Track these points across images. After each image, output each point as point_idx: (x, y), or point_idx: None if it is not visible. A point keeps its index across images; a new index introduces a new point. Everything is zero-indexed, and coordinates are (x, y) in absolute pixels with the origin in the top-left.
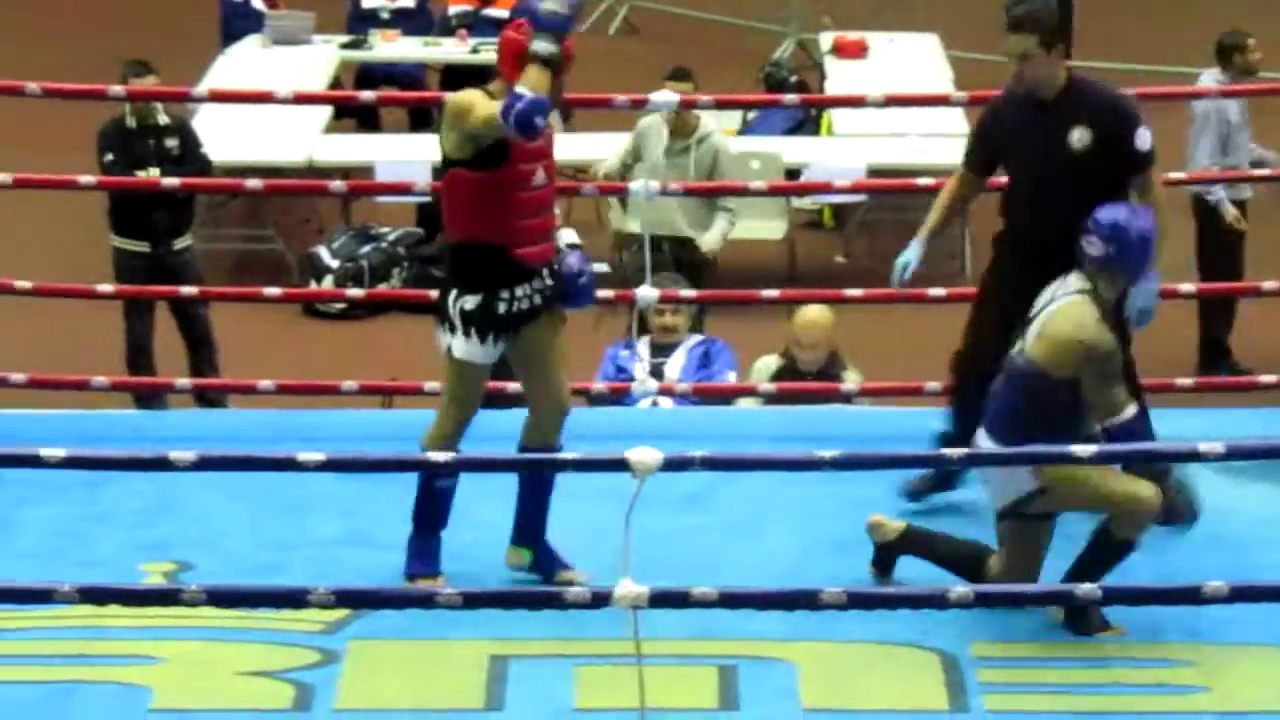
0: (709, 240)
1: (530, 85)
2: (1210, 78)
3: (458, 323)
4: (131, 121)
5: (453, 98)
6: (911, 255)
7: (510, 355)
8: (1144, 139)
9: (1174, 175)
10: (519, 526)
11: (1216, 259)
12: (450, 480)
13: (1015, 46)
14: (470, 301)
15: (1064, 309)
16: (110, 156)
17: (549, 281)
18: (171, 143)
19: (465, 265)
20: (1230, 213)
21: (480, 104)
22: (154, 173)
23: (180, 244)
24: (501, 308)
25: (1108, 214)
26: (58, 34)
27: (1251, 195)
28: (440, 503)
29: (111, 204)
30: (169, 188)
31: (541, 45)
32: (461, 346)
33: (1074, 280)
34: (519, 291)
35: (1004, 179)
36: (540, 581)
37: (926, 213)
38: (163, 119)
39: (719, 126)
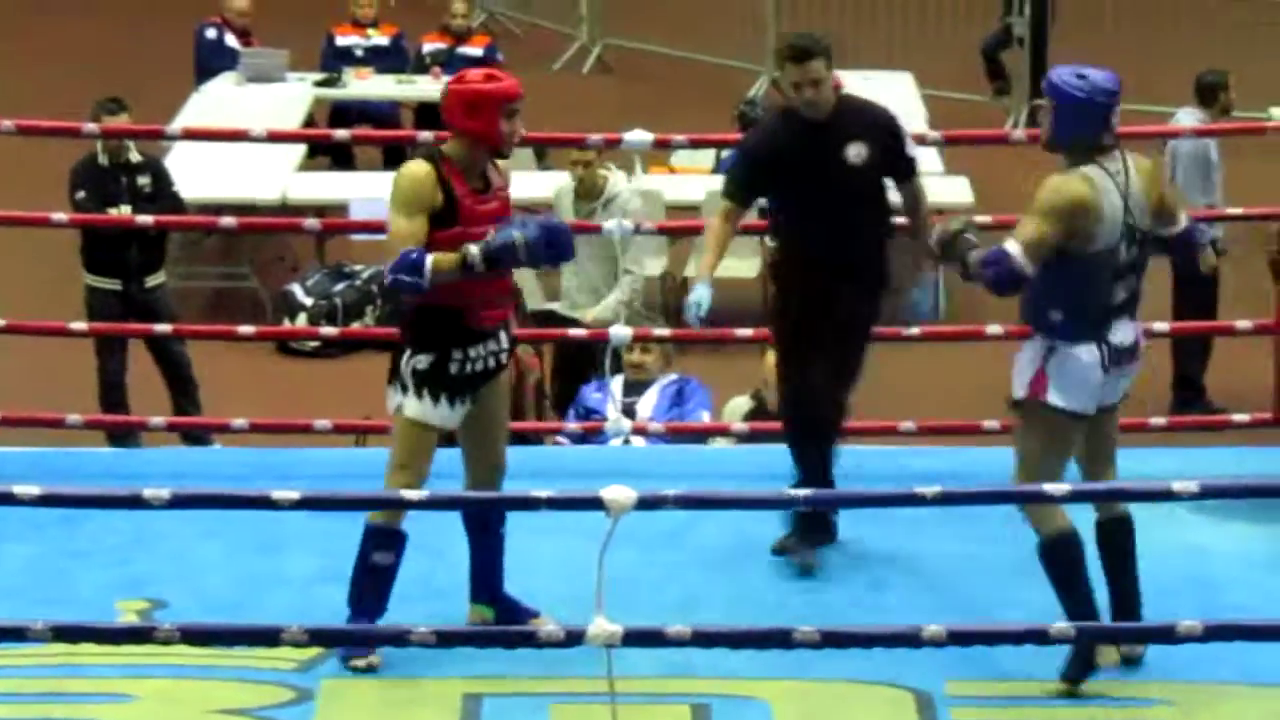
0: (597, 311)
1: (436, 268)
2: (1189, 116)
3: (409, 382)
4: (104, 159)
5: (400, 172)
6: (704, 294)
7: (467, 419)
8: (912, 147)
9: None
10: (476, 584)
11: (1193, 298)
12: (389, 559)
13: (808, 74)
14: (423, 361)
15: (1146, 164)
16: (82, 194)
17: (505, 345)
18: (143, 180)
19: (419, 326)
20: (1211, 257)
21: (402, 215)
22: (126, 210)
23: (152, 281)
24: (454, 368)
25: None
26: (30, 69)
27: (1221, 235)
28: (380, 583)
29: (84, 241)
30: (142, 225)
31: (475, 256)
32: (414, 406)
33: (1116, 158)
34: (473, 353)
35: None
36: None
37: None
38: (135, 157)
39: (632, 185)
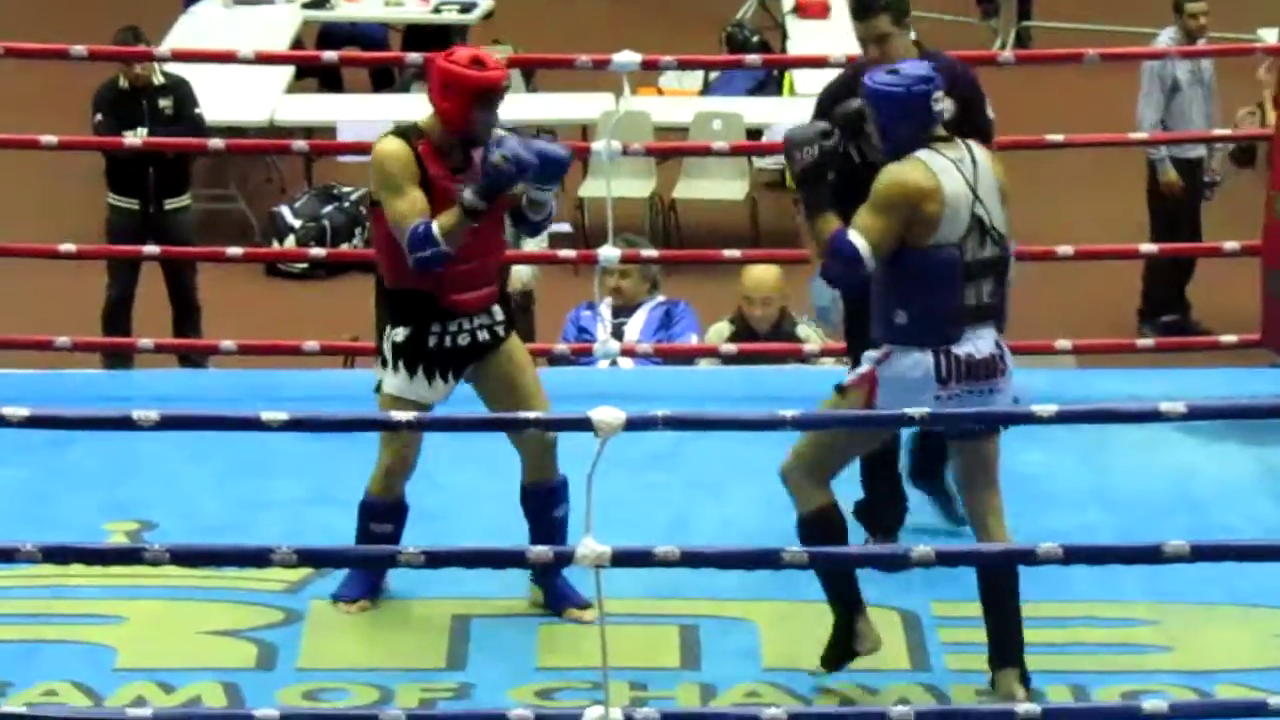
0: (523, 272)
1: (444, 230)
2: (1166, 37)
3: (388, 356)
4: (124, 83)
5: (377, 153)
6: (828, 294)
7: (480, 393)
8: (991, 108)
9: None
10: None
11: (1162, 216)
12: (388, 529)
13: (872, 30)
14: (400, 334)
15: (990, 155)
16: (99, 117)
17: (498, 317)
18: (165, 102)
19: (395, 301)
20: (1169, 173)
21: (395, 196)
22: (143, 133)
23: (172, 204)
24: (432, 341)
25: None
26: None
27: (1205, 154)
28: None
29: (106, 163)
30: (132, 147)
31: (470, 198)
32: (391, 381)
33: (957, 148)
34: (453, 326)
35: None
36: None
37: None
38: (158, 79)
39: (601, 129)
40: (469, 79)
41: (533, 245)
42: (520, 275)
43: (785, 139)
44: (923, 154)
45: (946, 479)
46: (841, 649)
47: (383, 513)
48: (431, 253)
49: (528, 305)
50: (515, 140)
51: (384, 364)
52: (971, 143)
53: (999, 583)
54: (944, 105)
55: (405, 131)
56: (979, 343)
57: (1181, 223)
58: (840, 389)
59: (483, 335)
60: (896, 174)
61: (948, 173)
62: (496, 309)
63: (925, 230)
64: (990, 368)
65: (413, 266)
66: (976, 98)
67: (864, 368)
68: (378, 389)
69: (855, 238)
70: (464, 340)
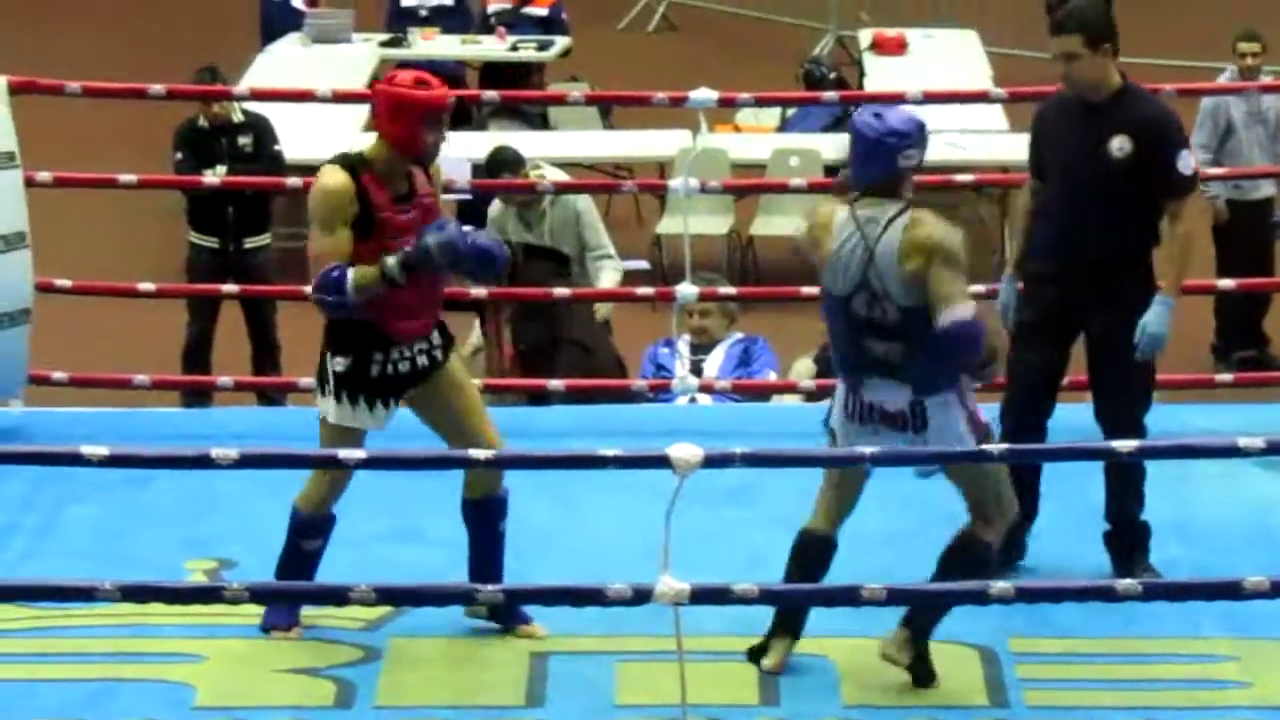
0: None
1: (357, 283)
2: (1226, 76)
3: (330, 385)
4: (204, 121)
5: (317, 184)
6: (1007, 293)
7: (422, 417)
8: (1186, 163)
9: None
10: (473, 580)
11: (1226, 256)
12: (317, 544)
13: (1060, 47)
14: (340, 364)
15: (912, 220)
16: (179, 155)
17: (436, 341)
18: (244, 140)
19: (336, 329)
20: (1220, 213)
21: (322, 231)
22: (222, 171)
23: (252, 242)
24: (374, 370)
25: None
26: (96, 32)
27: (1273, 194)
28: (304, 565)
29: (188, 202)
30: (211, 186)
31: (393, 268)
32: (334, 411)
33: (888, 208)
34: (395, 353)
35: None
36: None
37: (964, 208)
38: (237, 117)
39: (679, 167)
40: (417, 99)
41: (608, 281)
42: (601, 307)
43: None
44: (834, 205)
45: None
46: (757, 652)
47: (313, 529)
48: (334, 300)
49: (606, 334)
50: (455, 229)
51: (324, 393)
52: (913, 211)
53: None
54: (1121, 144)
55: (351, 162)
56: (888, 395)
57: (1248, 263)
58: None
59: (422, 361)
60: (816, 208)
61: (845, 228)
62: (435, 334)
63: (820, 270)
64: (898, 422)
65: (313, 301)
66: (1163, 143)
67: None
68: (321, 418)
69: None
70: (404, 367)
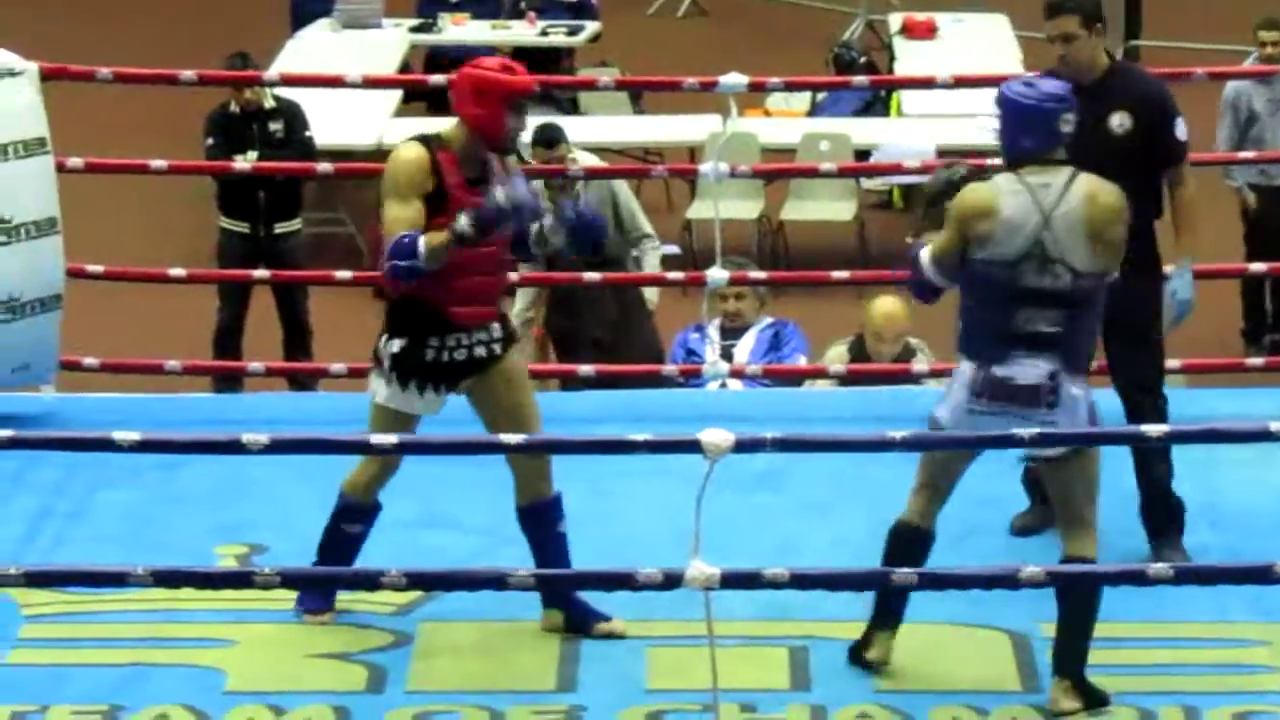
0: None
1: (429, 247)
2: (1250, 63)
3: (385, 365)
4: (235, 107)
5: (392, 157)
6: (1179, 283)
7: (476, 410)
8: (1181, 129)
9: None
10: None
11: (1253, 242)
12: (359, 529)
13: (1058, 29)
14: (396, 344)
15: (1095, 190)
16: (211, 141)
17: (496, 334)
18: (275, 126)
19: (396, 312)
20: (1246, 199)
21: (396, 201)
22: (253, 156)
23: (283, 228)
24: (429, 354)
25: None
26: (127, 18)
27: None
28: (344, 549)
29: (219, 187)
30: (241, 171)
31: (463, 225)
32: (383, 390)
33: (1058, 174)
34: (451, 341)
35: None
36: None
37: None
38: (269, 103)
39: (709, 151)
40: (503, 83)
41: (652, 264)
42: (649, 296)
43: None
44: (1004, 177)
45: None
46: (857, 652)
47: (357, 514)
48: (409, 264)
49: (641, 325)
50: (524, 185)
51: (378, 374)
52: (1083, 175)
53: (1080, 596)
54: (1121, 120)
55: (427, 139)
56: (1025, 369)
57: (1277, 248)
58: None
59: (480, 351)
60: (966, 192)
61: (1016, 195)
62: (496, 326)
63: (977, 246)
64: (1030, 396)
65: (386, 274)
66: (1159, 115)
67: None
68: (372, 398)
69: (923, 249)
70: (460, 355)
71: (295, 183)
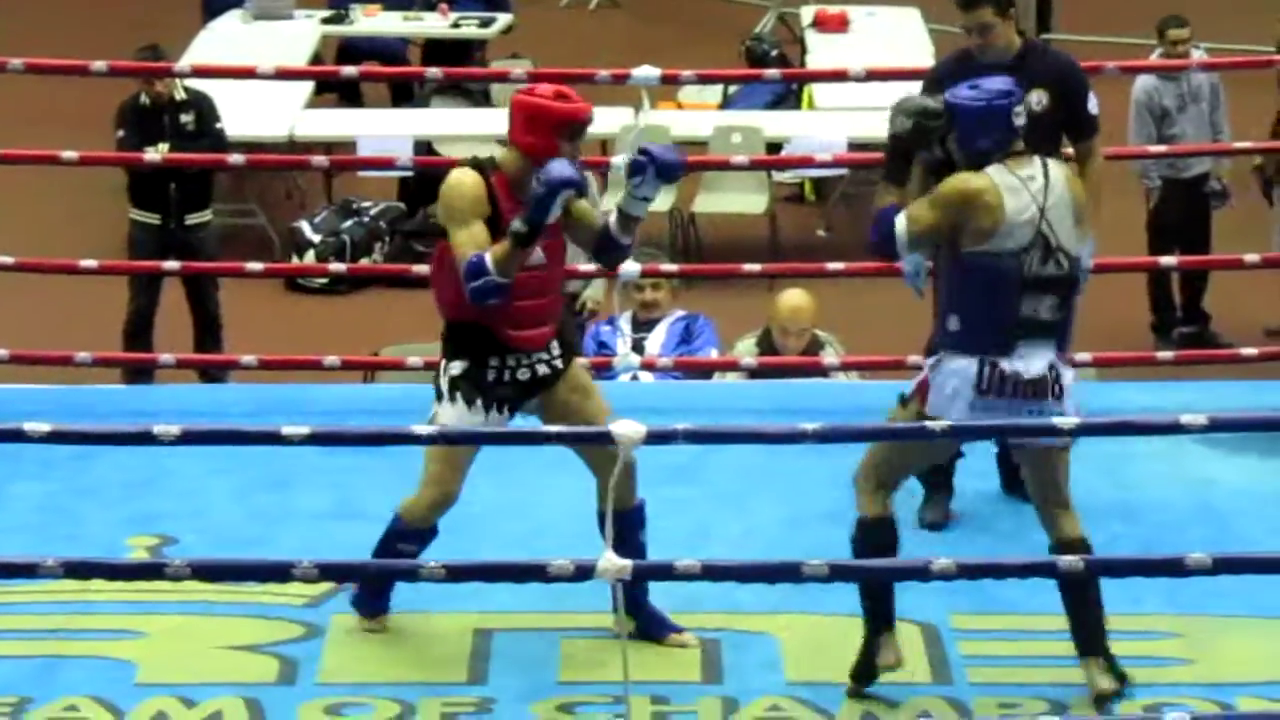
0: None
1: (496, 260)
2: (1157, 57)
3: (444, 389)
4: (146, 99)
5: (447, 183)
6: (917, 261)
7: (547, 424)
8: (1094, 104)
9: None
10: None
11: (1157, 239)
12: (414, 549)
13: (974, 20)
14: (457, 367)
15: (1068, 175)
16: (122, 133)
17: (556, 351)
18: (187, 118)
19: (453, 337)
20: (1154, 193)
21: (458, 227)
22: (164, 148)
23: (194, 219)
24: (491, 375)
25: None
26: (38, 7)
27: (1208, 169)
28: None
29: (129, 179)
30: (150, 163)
31: (516, 223)
32: (447, 412)
33: (1033, 163)
34: (511, 361)
35: None
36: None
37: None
38: (179, 95)
39: (620, 143)
40: (555, 111)
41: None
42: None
43: (896, 103)
44: (992, 170)
45: None
46: (866, 664)
47: (414, 539)
48: (484, 282)
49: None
50: (558, 163)
51: (438, 397)
52: (1050, 161)
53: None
54: (1024, 117)
55: (480, 164)
56: (1031, 361)
57: (1186, 241)
58: (902, 398)
59: (542, 369)
60: (961, 178)
61: (1013, 190)
62: (554, 345)
63: (978, 238)
64: (1038, 387)
65: (469, 299)
66: (1075, 90)
67: (921, 375)
68: (431, 423)
69: (900, 218)
70: (524, 375)
71: (206, 174)
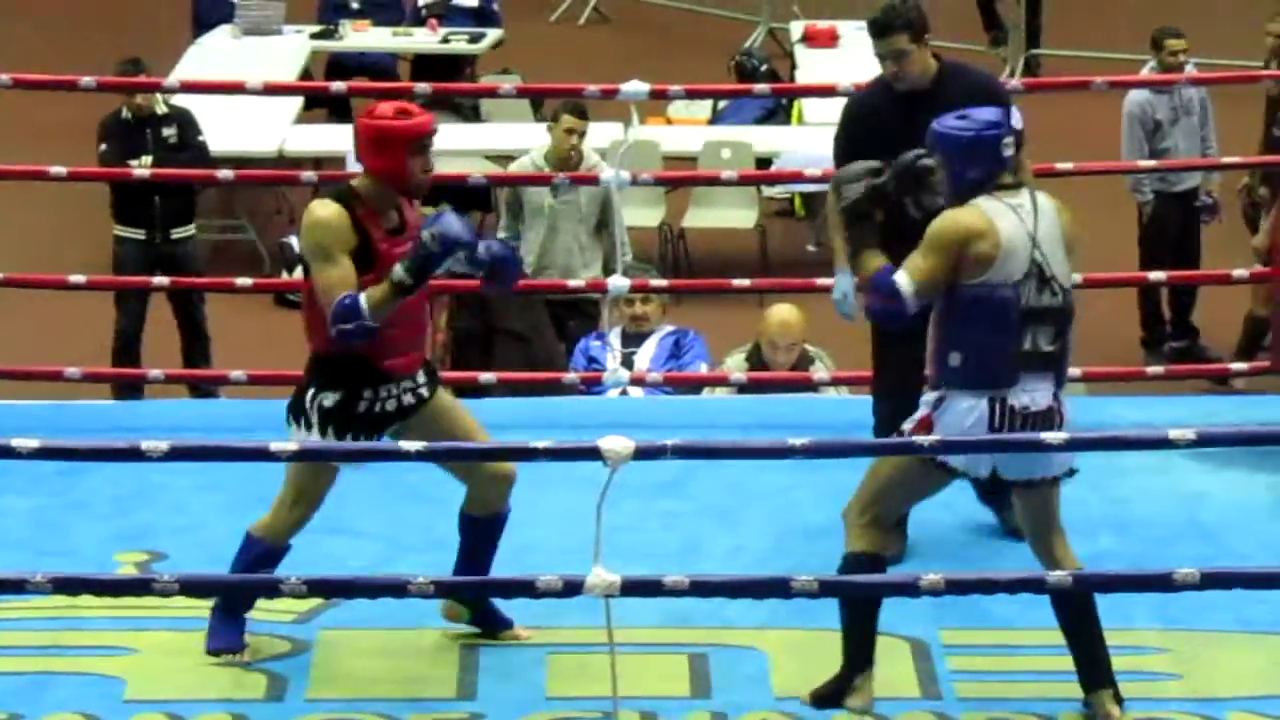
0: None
1: (372, 304)
2: (1147, 71)
3: (314, 419)
4: (127, 114)
5: (310, 219)
6: (847, 285)
7: None
8: (1018, 119)
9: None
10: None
11: (1148, 252)
12: (269, 571)
13: (888, 46)
14: (329, 398)
15: (1057, 205)
16: (105, 148)
17: (422, 380)
18: (169, 132)
19: (326, 365)
20: (1147, 207)
21: (325, 264)
22: (148, 162)
23: (179, 233)
24: (362, 406)
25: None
26: (27, 23)
27: (1198, 183)
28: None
29: (113, 194)
30: (140, 177)
31: (400, 274)
32: (311, 442)
33: (1023, 194)
34: (383, 392)
35: None
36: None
37: None
38: (161, 109)
39: (610, 159)
40: (399, 129)
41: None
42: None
43: (834, 177)
44: (980, 200)
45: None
46: (833, 695)
47: (269, 558)
48: (355, 326)
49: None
50: (451, 218)
51: (306, 425)
52: (1039, 193)
53: (1078, 608)
54: (1013, 148)
55: (342, 195)
56: (1036, 394)
57: (1176, 255)
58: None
59: (408, 399)
60: (950, 216)
61: (1004, 216)
62: (421, 372)
63: (977, 269)
64: (1047, 421)
65: (334, 338)
66: (998, 106)
67: (921, 412)
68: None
69: (900, 275)
70: (391, 405)
71: (190, 189)
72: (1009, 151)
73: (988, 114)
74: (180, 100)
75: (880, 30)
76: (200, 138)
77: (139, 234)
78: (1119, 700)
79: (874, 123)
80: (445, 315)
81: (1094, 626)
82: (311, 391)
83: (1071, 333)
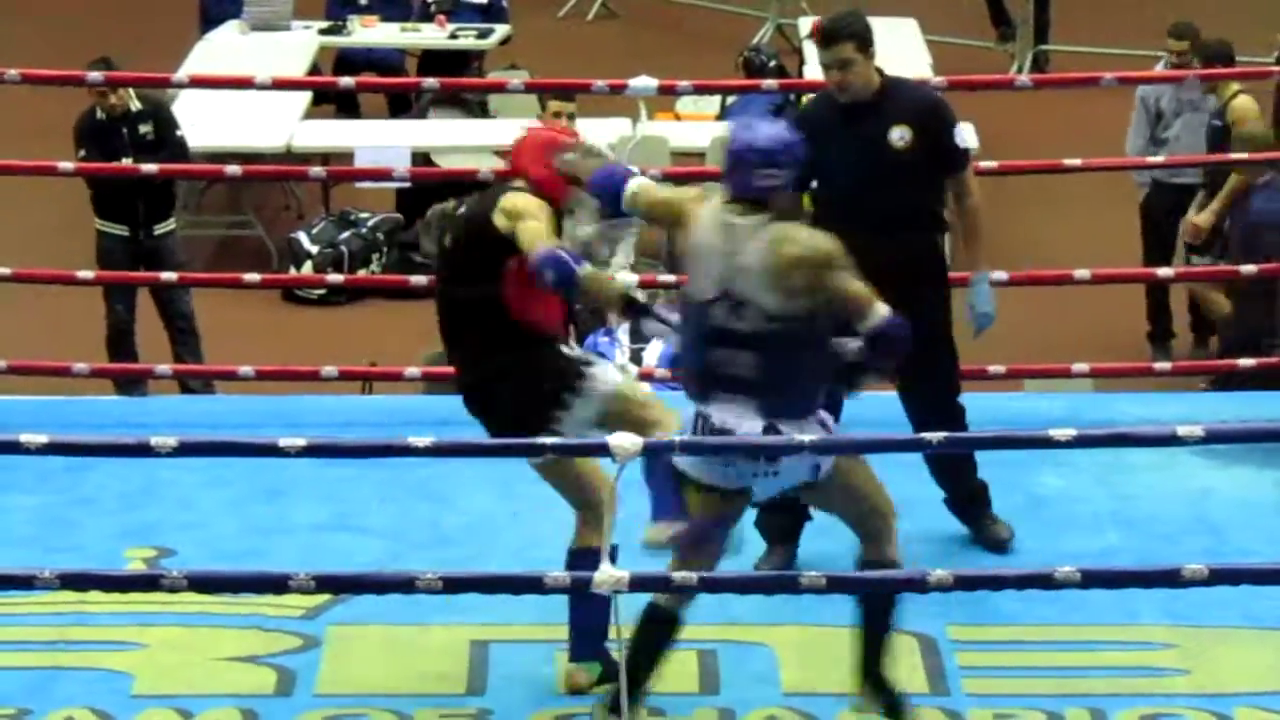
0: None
1: (589, 276)
2: (1161, 66)
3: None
4: (101, 114)
5: (519, 199)
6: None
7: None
8: (961, 137)
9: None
10: (576, 640)
11: (1150, 242)
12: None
13: (834, 56)
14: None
15: (777, 238)
16: (84, 152)
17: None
18: (145, 128)
19: (533, 359)
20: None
21: (543, 224)
22: (128, 162)
23: (161, 229)
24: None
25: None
26: (36, 17)
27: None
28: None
29: (93, 193)
30: (148, 174)
31: (629, 290)
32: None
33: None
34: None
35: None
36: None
37: None
38: (135, 106)
39: (618, 154)
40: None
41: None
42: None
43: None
44: (716, 201)
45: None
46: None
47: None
48: (566, 271)
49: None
50: (553, 257)
51: (548, 425)
52: (778, 225)
53: (875, 603)
54: (901, 134)
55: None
56: (727, 414)
57: (1167, 241)
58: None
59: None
60: (685, 190)
61: (711, 230)
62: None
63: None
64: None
65: (548, 269)
66: (937, 125)
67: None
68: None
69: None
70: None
71: (169, 184)
72: (764, 181)
73: (768, 137)
74: (187, 96)
75: (827, 39)
76: (178, 132)
77: (122, 230)
78: (879, 694)
79: (817, 133)
80: None
81: (887, 621)
82: (541, 386)
83: (783, 362)
